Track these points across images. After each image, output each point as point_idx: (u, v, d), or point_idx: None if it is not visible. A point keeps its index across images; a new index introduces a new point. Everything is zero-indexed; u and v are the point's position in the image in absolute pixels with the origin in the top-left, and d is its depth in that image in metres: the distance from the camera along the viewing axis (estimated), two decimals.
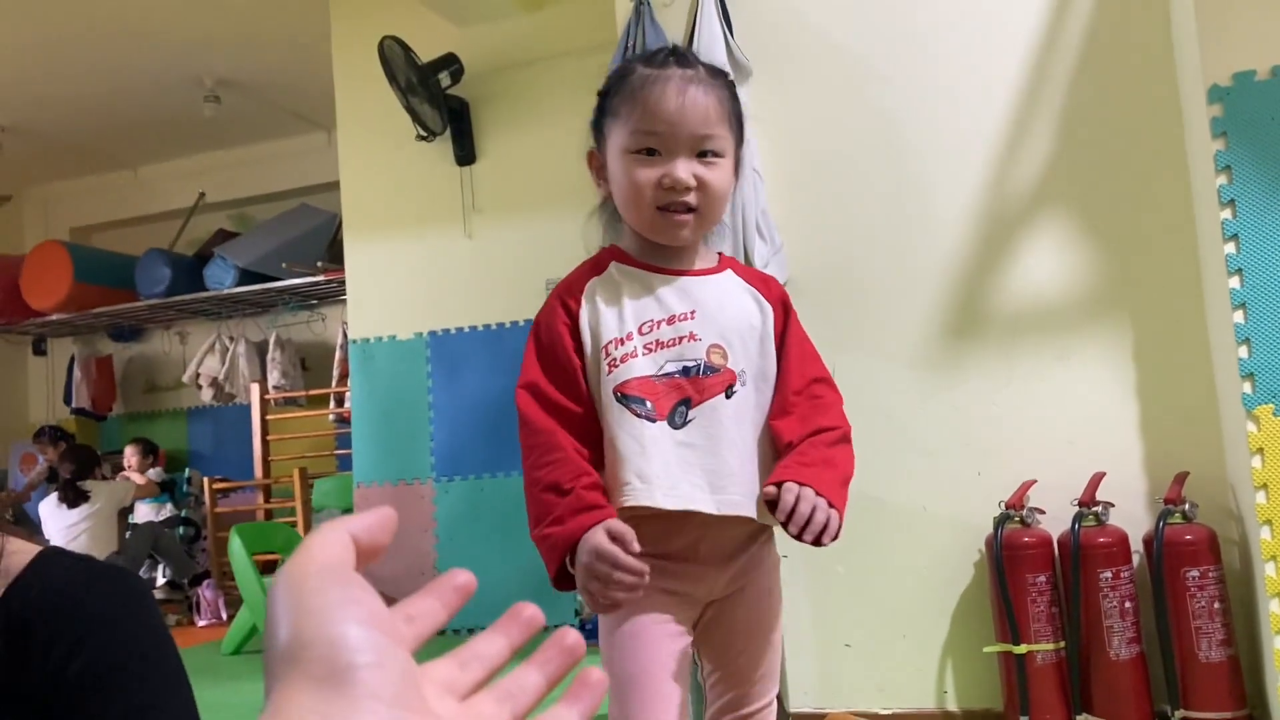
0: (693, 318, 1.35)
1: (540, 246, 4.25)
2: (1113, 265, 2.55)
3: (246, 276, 6.40)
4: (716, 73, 1.40)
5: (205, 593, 5.70)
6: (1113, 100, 2.56)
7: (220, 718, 2.47)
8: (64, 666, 0.78)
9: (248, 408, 6.55)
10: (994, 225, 2.63)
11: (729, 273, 1.44)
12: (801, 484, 1.24)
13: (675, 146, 1.33)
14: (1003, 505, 2.46)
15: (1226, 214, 2.23)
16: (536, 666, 0.38)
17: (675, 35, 2.77)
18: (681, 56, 1.39)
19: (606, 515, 1.23)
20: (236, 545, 4.40)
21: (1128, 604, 2.33)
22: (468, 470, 4.58)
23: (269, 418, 6.43)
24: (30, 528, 5.74)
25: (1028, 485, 2.48)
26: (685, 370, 1.32)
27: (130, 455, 6.40)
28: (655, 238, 1.38)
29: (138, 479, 6.26)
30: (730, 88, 1.41)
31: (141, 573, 5.83)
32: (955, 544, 2.59)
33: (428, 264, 4.67)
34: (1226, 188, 2.24)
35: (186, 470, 6.88)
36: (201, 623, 5.61)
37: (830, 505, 1.25)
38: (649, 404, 1.31)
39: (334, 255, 5.69)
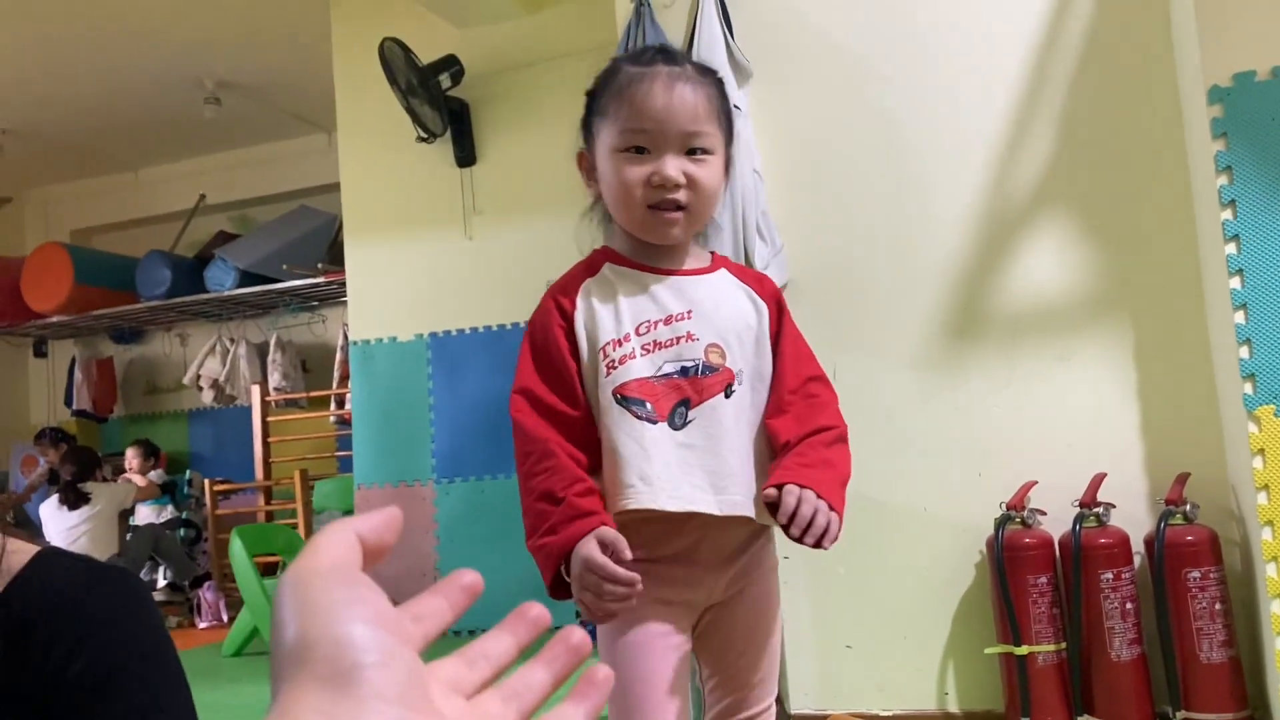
0: (690, 317, 1.34)
1: (541, 248, 4.24)
2: (1113, 266, 2.55)
3: (247, 278, 6.41)
4: (705, 70, 1.40)
5: (206, 595, 5.70)
6: (1113, 101, 2.56)
7: (221, 719, 2.47)
8: (64, 667, 0.78)
9: (248, 409, 6.55)
10: (994, 225, 2.63)
11: (723, 272, 1.44)
12: (802, 486, 1.24)
13: (664, 144, 1.32)
14: (1004, 506, 2.46)
15: (1227, 215, 2.23)
16: (543, 665, 0.38)
17: (675, 36, 2.78)
18: (669, 54, 1.39)
19: (599, 523, 1.22)
20: (237, 547, 4.40)
21: (1129, 605, 2.33)
22: (468, 471, 4.58)
23: (270, 419, 6.43)
24: (31, 530, 5.74)
25: (1029, 486, 2.48)
26: (684, 370, 1.31)
27: (131, 457, 6.41)
28: (646, 237, 1.37)
29: (139, 481, 6.26)
30: (719, 85, 1.40)
31: (142, 575, 5.82)
32: (956, 545, 2.59)
33: (428, 265, 4.67)
34: (1227, 188, 2.24)
35: (187, 472, 6.88)
36: (202, 625, 5.61)
37: (830, 508, 1.25)
38: (649, 405, 1.30)
39: (334, 257, 5.69)
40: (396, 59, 4.26)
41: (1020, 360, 2.59)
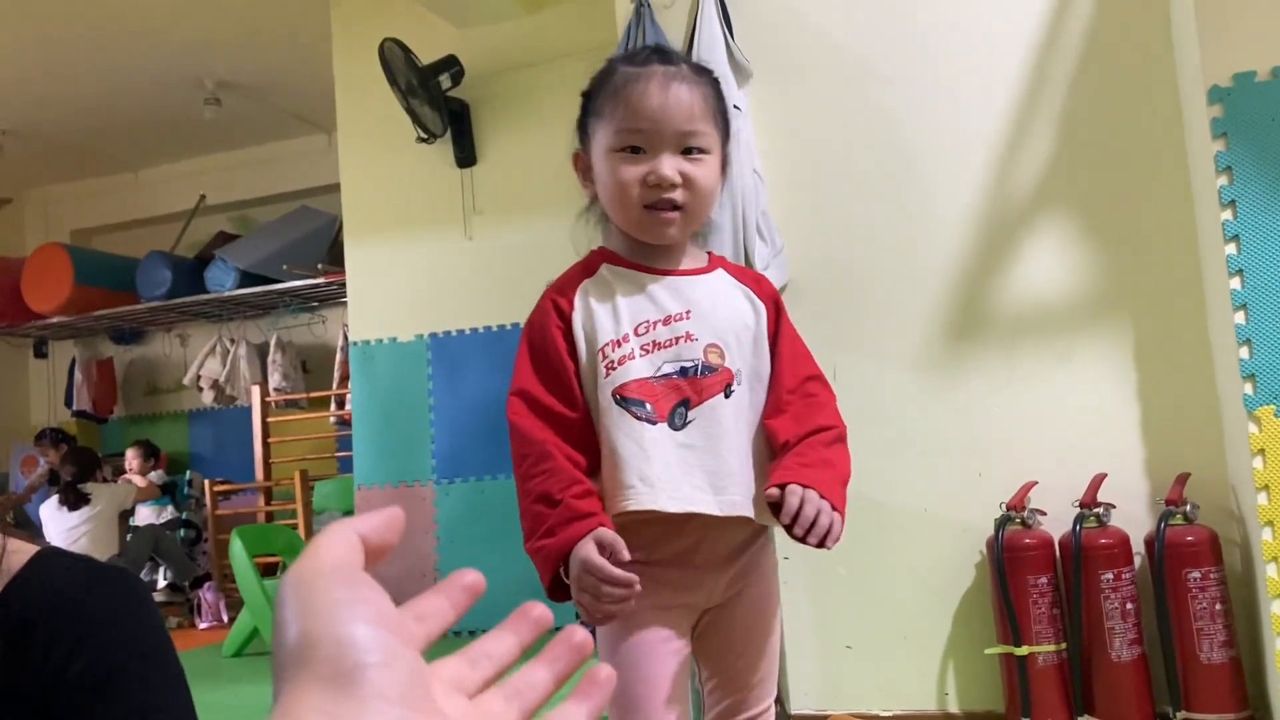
0: (688, 317, 1.33)
1: (541, 248, 4.22)
2: (1113, 266, 2.55)
3: (247, 279, 6.41)
4: (700, 70, 1.39)
5: (206, 595, 5.70)
6: (1113, 101, 2.56)
7: (221, 719, 2.47)
8: (64, 667, 0.78)
9: (249, 410, 6.55)
10: (994, 226, 2.63)
11: (720, 272, 1.43)
12: (804, 486, 1.23)
13: (660, 143, 1.31)
14: (1004, 506, 2.46)
15: (1227, 215, 2.23)
16: (545, 664, 0.38)
17: (675, 36, 2.78)
18: (664, 54, 1.38)
19: (597, 524, 1.22)
20: (237, 547, 4.40)
21: (1129, 605, 2.32)
22: (469, 472, 4.58)
23: (270, 420, 6.43)
24: (31, 530, 5.74)
25: (1029, 486, 2.48)
26: (683, 371, 1.31)
27: (132, 458, 6.41)
28: (642, 236, 1.37)
29: (139, 481, 6.26)
30: (715, 85, 1.39)
31: (143, 575, 5.83)
32: (956, 545, 2.59)
33: (428, 266, 4.67)
34: (1227, 189, 2.24)
35: (188, 473, 6.88)
36: (203, 625, 5.61)
37: (833, 508, 1.24)
38: (649, 406, 1.29)
39: (334, 257, 5.69)
40: (396, 59, 4.26)
41: (1020, 360, 2.59)
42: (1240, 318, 2.21)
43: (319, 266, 6.09)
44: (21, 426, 7.48)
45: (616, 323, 1.33)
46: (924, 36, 2.70)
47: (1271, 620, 2.18)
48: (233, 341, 6.83)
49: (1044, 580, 2.38)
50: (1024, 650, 2.37)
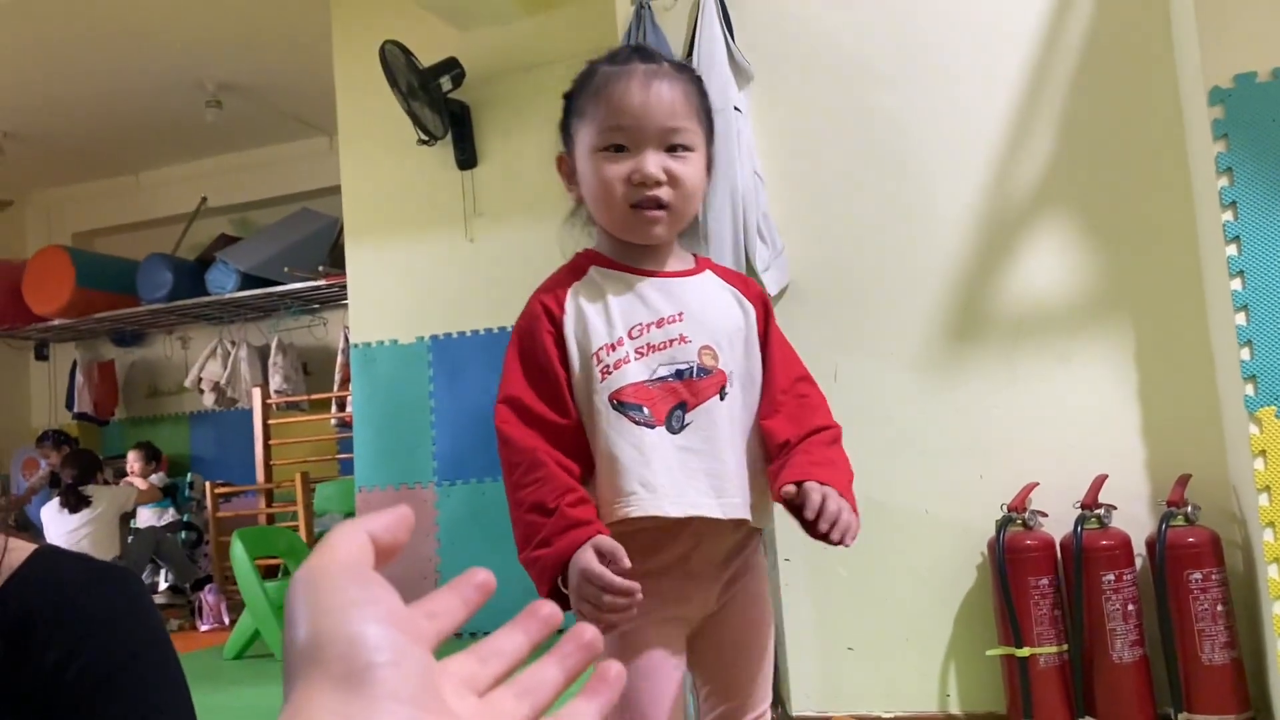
0: (681, 319, 1.32)
1: (541, 250, 4.19)
2: (1114, 267, 2.55)
3: (248, 281, 6.41)
4: (682, 67, 1.38)
5: (207, 597, 5.69)
6: (1113, 102, 2.56)
7: None
8: (64, 668, 0.78)
9: (249, 412, 6.55)
10: (995, 226, 2.63)
11: (708, 273, 1.42)
12: (823, 483, 1.23)
13: (643, 140, 1.30)
14: (1005, 508, 2.46)
15: (1228, 216, 2.24)
16: (555, 661, 0.38)
17: (676, 38, 2.78)
18: (645, 53, 1.37)
19: (595, 532, 1.20)
20: (238, 550, 4.40)
21: (1130, 606, 2.32)
22: (469, 474, 4.57)
23: (271, 422, 6.42)
24: (32, 533, 5.73)
25: (1030, 488, 2.48)
26: (678, 373, 1.30)
27: (133, 460, 6.40)
28: (628, 237, 1.35)
29: (140, 484, 6.26)
30: (697, 82, 1.39)
31: (144, 577, 5.82)
32: (957, 546, 2.59)
33: (429, 268, 4.67)
34: (1228, 190, 2.24)
35: (189, 475, 6.88)
36: (204, 627, 5.60)
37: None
38: (646, 410, 1.28)
39: (335, 259, 5.70)
40: (397, 61, 4.26)
41: (1021, 361, 2.59)
42: (1241, 319, 2.21)
43: (320, 269, 6.08)
44: (23, 429, 7.48)
45: (610, 326, 1.31)
46: (924, 37, 2.71)
47: (1273, 621, 2.17)
48: (234, 344, 6.83)
49: (1045, 581, 2.38)
50: (1025, 651, 2.37)
